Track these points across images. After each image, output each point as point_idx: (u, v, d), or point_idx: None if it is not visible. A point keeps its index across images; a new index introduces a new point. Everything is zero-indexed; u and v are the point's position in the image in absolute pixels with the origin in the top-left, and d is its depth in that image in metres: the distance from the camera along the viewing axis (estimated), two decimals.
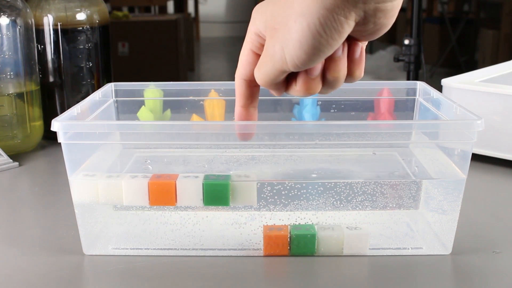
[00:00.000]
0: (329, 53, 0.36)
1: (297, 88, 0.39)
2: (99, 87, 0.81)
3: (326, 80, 0.39)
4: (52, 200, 0.64)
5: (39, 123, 0.81)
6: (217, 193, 0.48)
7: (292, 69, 0.38)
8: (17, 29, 0.76)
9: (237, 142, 0.48)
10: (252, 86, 0.43)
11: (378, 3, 0.35)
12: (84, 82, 0.84)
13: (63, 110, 0.83)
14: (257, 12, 0.40)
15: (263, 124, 0.46)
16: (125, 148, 0.62)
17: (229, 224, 0.50)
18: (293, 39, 0.36)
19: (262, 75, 0.40)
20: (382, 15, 0.35)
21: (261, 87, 0.43)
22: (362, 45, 0.39)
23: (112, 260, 0.49)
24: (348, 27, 0.35)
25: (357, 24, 0.36)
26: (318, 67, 0.38)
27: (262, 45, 0.40)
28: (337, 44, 0.36)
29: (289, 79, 0.40)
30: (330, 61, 0.38)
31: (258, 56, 0.41)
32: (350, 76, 0.39)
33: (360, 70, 0.39)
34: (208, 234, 0.51)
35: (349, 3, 0.34)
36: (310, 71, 0.38)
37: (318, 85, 0.39)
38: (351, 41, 0.38)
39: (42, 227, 0.57)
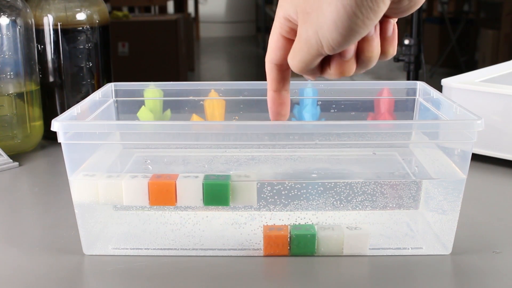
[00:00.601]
0: (364, 33, 0.36)
1: (331, 72, 0.39)
2: (99, 87, 0.81)
3: (360, 60, 0.38)
4: (52, 200, 0.64)
5: (39, 123, 0.81)
6: (217, 193, 0.48)
7: (328, 53, 0.37)
8: (17, 29, 0.76)
9: (237, 142, 0.48)
10: (283, 70, 0.42)
11: None
12: (84, 82, 0.84)
13: (63, 110, 0.83)
14: None
15: (263, 124, 0.46)
16: (125, 148, 0.62)
17: (229, 224, 0.50)
18: (327, 21, 0.35)
19: (298, 62, 0.39)
20: None
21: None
22: (394, 22, 0.38)
23: (112, 260, 0.49)
24: (384, 6, 0.35)
25: (392, 2, 0.35)
26: (352, 49, 0.38)
27: (292, 29, 0.39)
28: (373, 24, 0.35)
29: (323, 62, 0.39)
30: (363, 41, 0.38)
31: (287, 40, 0.40)
32: (383, 54, 0.39)
33: (394, 48, 0.39)
34: (208, 234, 0.51)
35: None
36: (344, 53, 0.38)
37: (352, 67, 0.39)
38: (382, 18, 0.38)
39: (42, 227, 0.57)
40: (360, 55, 0.38)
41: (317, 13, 0.36)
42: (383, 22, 0.38)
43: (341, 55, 0.38)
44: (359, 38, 0.36)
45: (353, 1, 0.34)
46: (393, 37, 0.39)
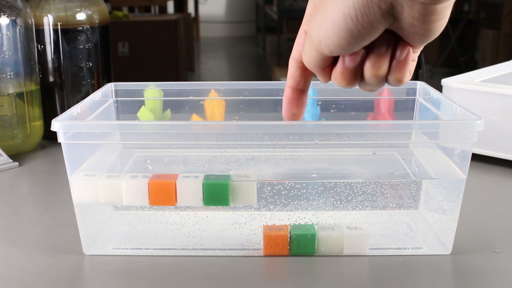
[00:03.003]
0: (362, 42, 0.35)
1: (333, 76, 0.39)
2: (99, 87, 0.81)
3: (365, 75, 0.38)
4: (52, 200, 0.64)
5: (39, 123, 0.81)
6: (217, 193, 0.48)
7: (327, 52, 0.37)
8: (17, 29, 0.76)
9: (237, 142, 0.48)
10: (302, 68, 0.42)
11: (416, 1, 0.33)
12: (84, 82, 0.84)
13: (63, 110, 0.83)
14: None
15: (263, 124, 0.46)
16: (125, 148, 0.62)
17: (229, 224, 0.50)
18: (327, 19, 0.35)
19: (304, 56, 0.39)
20: (421, 16, 0.33)
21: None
22: (411, 50, 0.37)
23: (112, 260, 0.49)
24: (383, 20, 0.34)
25: (395, 20, 0.34)
26: (355, 58, 0.37)
27: None
28: (370, 35, 0.35)
29: (334, 66, 0.39)
30: (371, 56, 0.37)
31: None
32: (392, 79, 0.38)
33: (402, 74, 0.37)
34: (208, 234, 0.51)
35: None
36: (346, 60, 0.37)
37: (354, 78, 0.38)
38: (399, 42, 0.37)
39: (42, 227, 0.57)
40: (364, 69, 0.37)
41: (322, 8, 0.36)
42: (399, 45, 0.37)
43: (344, 61, 0.38)
44: (356, 45, 0.35)
45: (351, 4, 0.34)
46: (403, 63, 0.37)
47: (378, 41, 0.36)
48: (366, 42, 0.35)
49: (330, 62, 0.38)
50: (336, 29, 0.35)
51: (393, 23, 0.35)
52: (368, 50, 0.37)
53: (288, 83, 0.43)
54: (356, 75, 0.38)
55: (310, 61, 0.39)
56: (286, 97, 0.43)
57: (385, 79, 0.38)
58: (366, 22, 0.34)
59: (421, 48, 0.38)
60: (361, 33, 0.34)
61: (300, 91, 0.43)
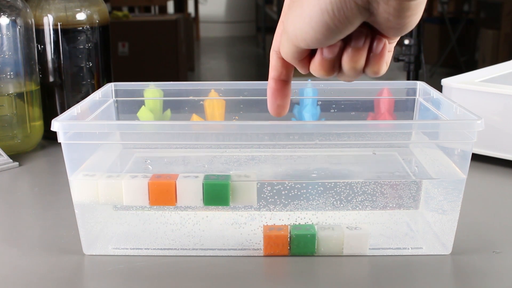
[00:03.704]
0: (338, 36, 0.36)
1: (312, 67, 0.39)
2: (99, 87, 0.81)
3: (342, 67, 0.38)
4: (52, 200, 0.64)
5: (39, 123, 0.81)
6: (217, 193, 0.48)
7: (303, 46, 0.37)
8: (17, 29, 0.76)
9: (237, 142, 0.48)
10: (283, 59, 0.42)
11: None
12: (84, 82, 0.84)
13: (63, 110, 0.83)
14: None
15: (263, 124, 0.46)
16: (125, 148, 0.62)
17: (229, 224, 0.50)
18: (304, 13, 0.35)
19: (282, 49, 0.39)
20: (396, 12, 0.34)
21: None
22: (387, 42, 0.38)
23: (112, 260, 0.49)
24: (359, 14, 0.34)
25: (371, 14, 0.35)
26: (332, 49, 0.37)
27: None
28: (346, 28, 0.35)
29: (312, 57, 0.39)
30: (349, 49, 0.37)
31: None
32: (369, 71, 0.38)
33: (379, 66, 0.38)
34: (208, 234, 0.51)
35: None
36: (324, 51, 0.37)
37: (332, 69, 0.38)
38: (376, 34, 0.37)
39: (42, 227, 0.57)
40: (343, 63, 0.38)
41: (299, 3, 0.36)
42: (375, 38, 0.38)
43: (322, 52, 0.38)
44: (332, 38, 0.36)
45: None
46: (380, 55, 0.38)
47: (355, 34, 0.37)
48: (342, 36, 0.36)
49: (308, 54, 0.39)
50: (312, 24, 0.35)
51: (369, 17, 0.35)
52: (346, 42, 0.37)
53: (270, 74, 0.43)
54: (334, 66, 0.38)
55: (287, 53, 0.39)
56: (270, 88, 0.43)
57: (363, 70, 0.39)
58: (342, 17, 0.34)
59: (397, 39, 0.38)
60: (338, 27, 0.35)
61: (283, 82, 0.43)
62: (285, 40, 0.38)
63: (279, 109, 0.44)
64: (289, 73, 0.43)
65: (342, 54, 0.38)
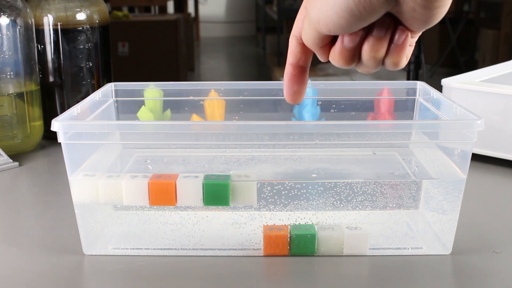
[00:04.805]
0: (361, 23, 0.35)
1: (331, 55, 0.39)
2: (99, 87, 0.81)
3: (363, 57, 0.38)
4: (52, 200, 0.64)
5: (39, 123, 0.81)
6: (217, 193, 0.48)
7: (325, 31, 0.37)
8: (17, 29, 0.76)
9: (237, 142, 0.48)
10: (302, 44, 0.41)
11: None
12: (84, 82, 0.84)
13: (63, 110, 0.83)
14: None
15: (263, 124, 0.46)
16: (125, 148, 0.62)
17: (229, 224, 0.50)
18: None
19: (304, 35, 0.39)
20: (423, 1, 0.34)
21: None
22: (409, 35, 0.37)
23: (112, 260, 0.49)
24: (385, 3, 0.34)
25: (397, 4, 0.34)
26: (353, 38, 0.37)
27: None
28: (370, 16, 0.35)
29: (333, 45, 0.39)
30: (370, 38, 0.37)
31: None
32: (389, 62, 0.38)
33: (399, 58, 0.38)
34: (208, 234, 0.51)
35: None
36: (345, 40, 0.37)
37: (352, 59, 0.38)
38: (398, 26, 0.37)
39: (42, 227, 0.57)
40: (362, 51, 0.38)
41: None
42: (398, 29, 0.37)
43: (342, 41, 0.38)
44: (355, 26, 0.36)
45: None
46: (401, 46, 0.37)
47: (378, 24, 0.36)
48: (365, 24, 0.36)
49: (329, 41, 0.39)
50: (336, 9, 0.35)
51: (395, 7, 0.35)
52: (367, 32, 0.37)
53: (289, 60, 0.43)
54: (354, 56, 0.38)
55: (309, 39, 0.39)
56: (287, 74, 0.43)
57: (382, 61, 0.38)
58: (368, 4, 0.34)
59: (420, 33, 0.38)
60: (362, 14, 0.35)
61: (301, 68, 0.43)
62: (307, 25, 0.38)
63: (295, 95, 0.43)
64: (307, 59, 0.42)
65: (362, 44, 0.38)
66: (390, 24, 0.37)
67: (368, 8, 0.34)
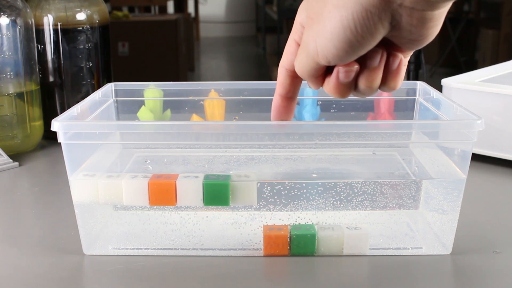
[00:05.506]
0: (360, 52, 0.36)
1: (326, 88, 0.39)
2: (99, 87, 0.81)
3: (358, 87, 0.38)
4: (52, 200, 0.64)
5: (39, 123, 0.81)
6: (217, 193, 0.48)
7: (324, 62, 0.37)
8: (17, 29, 0.76)
9: (237, 142, 0.48)
10: (292, 77, 0.42)
11: (415, 9, 0.33)
12: (84, 82, 0.84)
13: (63, 110, 0.83)
14: (303, 2, 0.39)
15: (263, 124, 0.46)
16: (125, 148, 0.62)
17: (229, 224, 0.50)
18: (325, 30, 0.35)
19: (298, 65, 0.39)
20: (419, 23, 0.34)
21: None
22: (403, 57, 0.38)
23: (112, 260, 0.49)
24: (382, 29, 0.34)
25: (393, 28, 0.35)
26: (348, 74, 0.37)
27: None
28: (369, 44, 0.35)
29: (327, 74, 0.39)
30: (365, 69, 0.37)
31: (299, 46, 0.40)
32: (385, 86, 0.39)
33: (395, 82, 0.38)
34: (208, 234, 0.51)
35: (386, 3, 0.33)
36: (340, 76, 0.38)
37: (348, 91, 0.38)
38: (391, 50, 0.37)
39: (42, 227, 0.57)
40: (359, 82, 0.38)
41: (318, 20, 0.36)
42: (391, 55, 0.38)
43: (338, 77, 0.38)
44: (354, 55, 0.36)
45: (351, 16, 0.34)
46: (397, 72, 0.38)
47: (370, 54, 0.37)
48: (364, 51, 0.36)
49: (324, 71, 0.39)
50: (335, 41, 0.35)
51: (390, 31, 0.35)
52: (361, 63, 0.37)
53: (277, 91, 0.44)
54: (350, 88, 0.39)
55: (304, 70, 0.39)
56: (275, 105, 0.44)
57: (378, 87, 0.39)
58: (365, 33, 0.34)
59: (411, 53, 0.39)
60: (360, 43, 0.35)
61: (290, 99, 0.44)
62: (304, 56, 0.38)
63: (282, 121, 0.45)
64: (296, 90, 0.43)
65: (358, 75, 0.38)
66: (383, 52, 0.37)
67: (366, 36, 0.35)
